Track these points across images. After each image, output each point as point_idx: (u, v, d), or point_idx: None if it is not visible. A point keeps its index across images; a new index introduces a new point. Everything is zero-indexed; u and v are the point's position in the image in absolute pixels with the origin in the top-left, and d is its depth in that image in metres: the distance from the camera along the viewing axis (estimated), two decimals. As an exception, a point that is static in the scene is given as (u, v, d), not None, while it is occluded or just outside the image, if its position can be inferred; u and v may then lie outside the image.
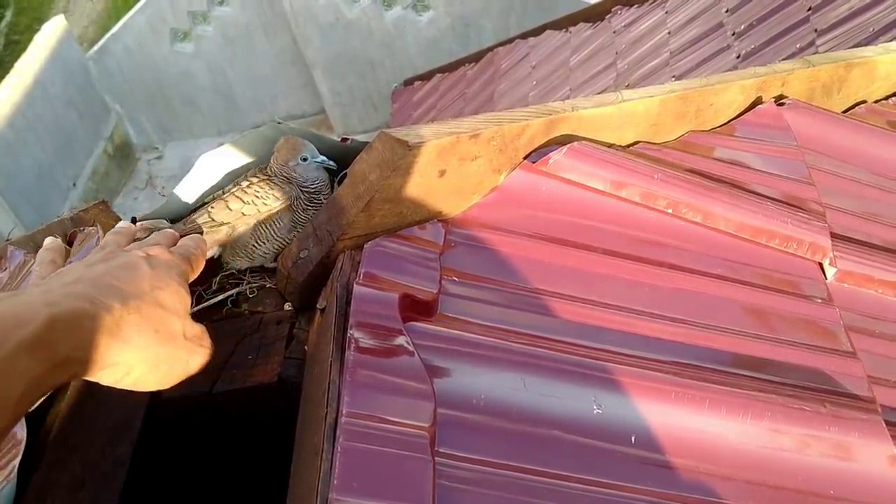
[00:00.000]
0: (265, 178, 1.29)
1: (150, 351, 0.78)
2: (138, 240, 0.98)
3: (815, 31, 3.48)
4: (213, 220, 1.27)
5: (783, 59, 3.59)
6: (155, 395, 1.11)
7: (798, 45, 3.57)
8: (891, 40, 3.01)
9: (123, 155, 10.13)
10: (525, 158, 1.24)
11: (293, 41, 9.26)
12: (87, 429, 1.02)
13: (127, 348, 0.75)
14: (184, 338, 0.83)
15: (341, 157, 1.31)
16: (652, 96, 1.39)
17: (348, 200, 1.12)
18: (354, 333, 0.95)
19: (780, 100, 1.60)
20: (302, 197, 1.31)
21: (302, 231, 1.19)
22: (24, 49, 9.39)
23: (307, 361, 1.10)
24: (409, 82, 8.51)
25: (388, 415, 0.91)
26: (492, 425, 0.98)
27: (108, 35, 9.63)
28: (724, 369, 1.12)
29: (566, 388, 1.02)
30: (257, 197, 1.27)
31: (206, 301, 1.22)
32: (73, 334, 0.70)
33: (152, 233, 0.99)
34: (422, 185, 1.14)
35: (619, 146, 1.37)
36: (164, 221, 1.28)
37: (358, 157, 1.13)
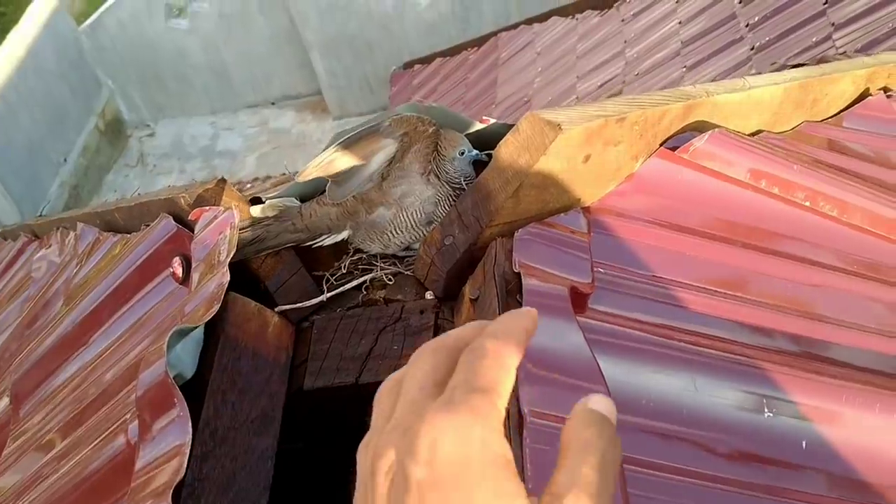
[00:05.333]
0: (401, 168, 1.21)
1: None
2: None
3: (832, 24, 3.41)
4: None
5: (798, 53, 3.55)
6: (294, 385, 1.04)
7: (814, 39, 3.50)
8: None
9: (115, 131, 9.93)
10: (661, 145, 1.18)
11: (290, 21, 9.09)
12: (231, 420, 0.95)
13: None
14: None
15: (476, 140, 1.24)
16: (776, 84, 1.34)
17: (496, 185, 1.05)
18: (527, 328, 0.89)
19: (887, 92, 1.56)
20: (447, 190, 1.23)
21: (443, 218, 1.11)
22: (9, 20, 9.17)
23: (461, 355, 1.03)
24: (408, 65, 8.39)
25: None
26: (662, 429, 0.92)
27: (102, 8, 9.41)
28: (881, 370, 1.08)
29: (735, 388, 0.97)
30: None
31: (337, 287, 1.15)
32: None
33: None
34: (568, 170, 1.07)
35: (745, 135, 1.32)
36: (295, 200, 1.20)
37: (503, 140, 1.06)
